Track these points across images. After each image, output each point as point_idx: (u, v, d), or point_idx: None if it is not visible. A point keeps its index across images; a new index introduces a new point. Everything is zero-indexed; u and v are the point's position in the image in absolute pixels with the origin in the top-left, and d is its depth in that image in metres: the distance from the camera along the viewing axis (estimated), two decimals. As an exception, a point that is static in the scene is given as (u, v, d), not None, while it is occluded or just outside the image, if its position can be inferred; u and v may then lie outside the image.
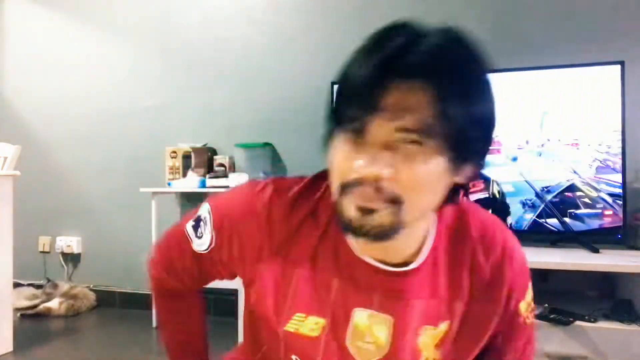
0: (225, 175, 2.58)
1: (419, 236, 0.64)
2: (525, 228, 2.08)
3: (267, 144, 2.75)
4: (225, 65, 2.92)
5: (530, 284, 0.72)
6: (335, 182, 0.57)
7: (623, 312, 1.74)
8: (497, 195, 2.11)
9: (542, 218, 2.05)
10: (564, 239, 2.07)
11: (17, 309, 2.78)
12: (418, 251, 0.64)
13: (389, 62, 0.51)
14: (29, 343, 2.41)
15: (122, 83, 3.15)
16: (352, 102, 0.54)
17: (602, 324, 1.70)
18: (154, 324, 2.69)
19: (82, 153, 3.23)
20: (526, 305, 0.70)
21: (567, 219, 2.02)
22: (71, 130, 3.26)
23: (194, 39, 2.99)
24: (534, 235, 2.13)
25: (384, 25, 0.58)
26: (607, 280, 2.00)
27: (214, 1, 2.96)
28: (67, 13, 3.29)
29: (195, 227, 0.73)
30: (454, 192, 0.60)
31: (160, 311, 0.91)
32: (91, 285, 3.14)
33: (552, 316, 1.73)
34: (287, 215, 0.65)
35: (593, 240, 2.00)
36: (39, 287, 3.13)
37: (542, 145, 2.06)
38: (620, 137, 1.97)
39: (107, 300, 3.09)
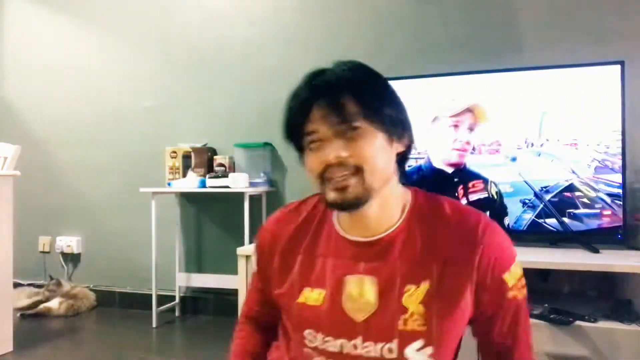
0: (225, 175, 2.58)
1: (391, 214, 0.82)
2: (525, 228, 2.08)
3: (267, 144, 2.75)
4: (225, 65, 2.92)
5: (514, 259, 0.82)
6: (314, 179, 0.78)
7: (623, 312, 1.74)
8: (495, 196, 2.11)
9: (542, 218, 2.05)
10: (563, 239, 2.07)
11: (17, 309, 2.78)
12: (391, 227, 0.82)
13: (314, 88, 0.77)
14: (29, 343, 2.41)
15: (122, 83, 3.15)
16: (300, 120, 0.77)
17: (602, 324, 1.69)
18: (154, 324, 2.70)
19: (82, 153, 3.23)
20: (512, 277, 0.81)
21: (567, 219, 2.02)
22: (71, 130, 3.26)
23: (194, 39, 2.99)
24: (534, 235, 2.13)
25: (308, 72, 0.82)
26: (607, 280, 2.00)
27: (214, 1, 2.96)
28: (68, 13, 3.29)
29: None
30: (402, 164, 0.84)
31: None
32: (91, 285, 3.14)
33: (552, 316, 1.73)
34: (287, 222, 0.90)
35: (593, 240, 1.99)
36: (39, 287, 3.14)
37: (542, 145, 2.06)
38: (620, 137, 1.97)
39: (107, 300, 3.10)
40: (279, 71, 2.79)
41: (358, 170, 0.74)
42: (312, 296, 0.82)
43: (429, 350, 0.78)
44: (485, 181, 2.12)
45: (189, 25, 3.00)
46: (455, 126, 2.17)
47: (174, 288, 2.93)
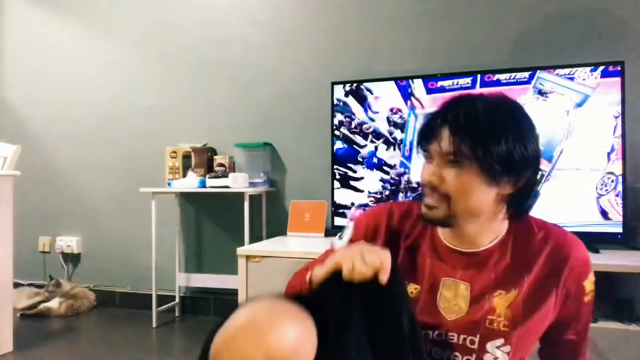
0: (225, 175, 2.58)
1: (490, 234, 0.91)
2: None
3: (267, 144, 2.75)
4: (225, 65, 2.92)
5: (591, 269, 0.94)
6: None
7: (623, 312, 1.74)
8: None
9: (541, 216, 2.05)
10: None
11: (17, 309, 2.78)
12: (486, 246, 0.91)
13: (440, 117, 0.86)
14: (29, 343, 2.41)
15: (122, 83, 3.15)
16: (420, 137, 0.89)
17: (602, 324, 1.70)
18: (154, 324, 2.70)
19: (82, 153, 3.23)
20: (589, 283, 0.93)
21: (566, 219, 2.02)
22: (71, 130, 3.26)
23: (194, 39, 2.99)
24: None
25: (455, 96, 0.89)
26: (607, 280, 1.99)
27: (214, 2, 2.96)
28: (68, 14, 3.29)
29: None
30: (516, 202, 0.90)
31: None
32: (91, 285, 3.14)
33: (551, 316, 1.73)
34: (408, 216, 0.98)
35: (593, 240, 2.00)
36: (39, 287, 3.14)
37: (542, 145, 2.06)
38: (620, 137, 1.97)
39: (107, 300, 3.10)
40: (279, 71, 2.79)
41: (445, 197, 0.85)
42: (409, 289, 0.91)
43: (507, 348, 0.87)
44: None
45: (190, 25, 3.00)
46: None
47: (174, 288, 2.93)
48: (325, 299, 0.78)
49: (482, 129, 0.83)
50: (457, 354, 0.88)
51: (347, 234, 1.02)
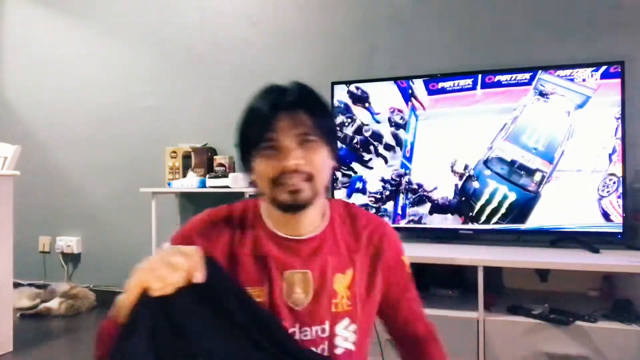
0: (225, 175, 2.58)
1: (318, 218, 0.95)
2: (525, 228, 2.08)
3: (267, 144, 2.75)
4: (225, 65, 2.92)
5: (403, 247, 1.03)
6: (265, 182, 0.88)
7: (623, 312, 1.74)
8: (465, 172, 2.11)
9: (542, 218, 2.05)
10: (564, 239, 2.07)
11: (17, 309, 2.78)
12: (317, 228, 0.95)
13: (276, 103, 0.88)
14: (29, 343, 2.41)
15: (122, 83, 3.15)
16: (262, 131, 0.87)
17: (602, 324, 1.70)
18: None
19: (82, 153, 3.23)
20: (407, 259, 1.03)
21: (567, 219, 2.02)
22: (71, 130, 3.26)
23: (193, 39, 2.99)
24: (534, 235, 2.13)
25: (263, 86, 0.96)
26: (607, 280, 2.00)
27: (214, 1, 2.96)
28: (67, 14, 3.29)
29: None
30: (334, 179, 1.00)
31: None
32: (91, 285, 3.14)
33: (552, 316, 1.74)
34: (220, 230, 0.94)
35: (593, 240, 2.00)
36: (39, 287, 3.13)
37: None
38: (620, 137, 1.97)
39: (107, 300, 3.08)
40: (279, 71, 2.79)
41: (310, 178, 0.87)
42: (254, 294, 0.88)
43: (354, 327, 0.92)
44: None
45: (189, 25, 3.00)
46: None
47: (174, 288, 2.92)
48: (137, 331, 0.68)
49: (319, 105, 0.91)
50: (312, 348, 0.89)
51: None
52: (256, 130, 0.89)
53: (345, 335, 0.91)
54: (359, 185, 2.36)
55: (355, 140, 2.36)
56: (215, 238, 0.93)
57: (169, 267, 0.70)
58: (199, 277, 0.71)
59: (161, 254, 0.74)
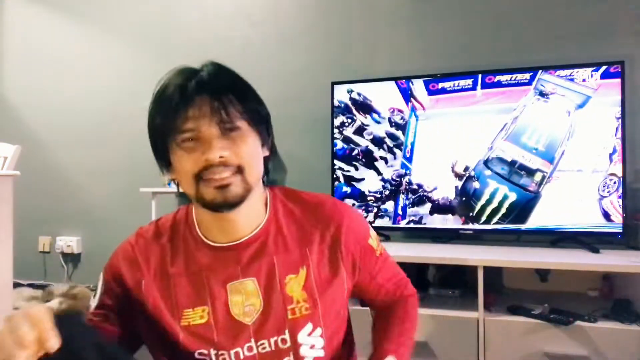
0: (225, 175, 2.58)
1: (257, 214, 0.84)
2: (525, 228, 2.08)
3: (267, 144, 2.75)
4: (225, 65, 2.91)
5: (369, 227, 0.93)
6: (188, 179, 0.76)
7: (623, 312, 1.74)
8: (464, 173, 2.11)
9: (543, 218, 2.05)
10: (564, 239, 2.08)
11: (17, 309, 2.77)
12: (258, 226, 0.84)
13: (191, 86, 0.74)
14: (29, 343, 2.40)
15: (122, 83, 3.15)
16: (175, 121, 0.76)
17: (602, 324, 1.70)
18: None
19: (82, 153, 3.23)
20: (374, 241, 0.92)
21: (567, 219, 2.02)
22: (71, 130, 3.26)
23: (194, 39, 2.99)
24: (534, 235, 2.13)
25: (174, 69, 0.82)
26: (607, 280, 2.00)
27: (214, 2, 2.96)
28: (67, 13, 3.29)
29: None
30: (268, 170, 0.86)
31: None
32: (91, 285, 3.13)
33: (552, 316, 1.74)
34: (148, 248, 0.87)
35: (593, 240, 2.00)
36: (39, 287, 3.13)
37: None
38: (620, 137, 1.97)
39: (107, 300, 3.09)
40: (279, 71, 2.79)
41: (239, 170, 0.76)
42: (195, 316, 0.81)
43: (319, 331, 0.82)
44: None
45: (189, 25, 3.00)
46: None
47: (174, 288, 2.92)
48: None
49: (242, 87, 0.81)
50: None
51: (99, 287, 0.87)
52: (170, 119, 0.77)
53: (310, 343, 0.82)
54: (359, 185, 2.36)
55: (355, 141, 2.36)
56: (144, 260, 0.85)
57: (17, 344, 0.58)
58: (52, 345, 0.60)
59: (7, 326, 0.61)
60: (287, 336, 0.81)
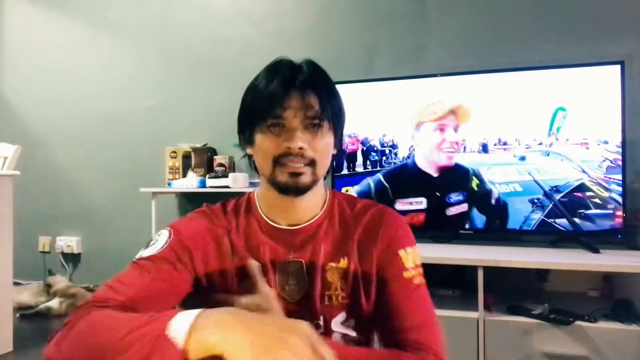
0: (225, 175, 2.58)
1: (316, 205, 0.91)
2: (525, 228, 2.08)
3: (267, 144, 2.75)
4: (225, 65, 2.92)
5: (412, 244, 0.90)
6: (267, 159, 0.84)
7: (623, 312, 1.74)
8: (476, 188, 2.11)
9: (548, 218, 2.05)
10: (564, 239, 2.07)
11: (17, 309, 2.78)
12: (314, 217, 0.91)
13: (287, 81, 0.83)
14: (29, 343, 2.41)
15: (122, 83, 3.15)
16: (271, 107, 0.82)
17: (602, 324, 1.70)
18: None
19: (82, 153, 3.23)
20: (407, 255, 0.88)
21: (567, 220, 2.02)
22: (71, 130, 3.26)
23: (194, 39, 2.99)
24: (534, 235, 2.13)
25: (274, 61, 0.89)
26: (607, 280, 2.00)
27: (214, 1, 2.96)
28: (68, 14, 3.29)
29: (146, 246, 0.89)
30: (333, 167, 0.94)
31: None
32: (91, 285, 3.14)
33: (552, 316, 1.74)
34: (214, 222, 0.92)
35: (593, 240, 2.00)
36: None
37: (551, 145, 2.06)
38: (620, 137, 1.97)
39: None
40: (279, 71, 2.78)
41: (312, 163, 0.84)
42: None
43: (352, 322, 0.86)
44: (466, 172, 2.13)
45: (189, 25, 3.00)
46: (441, 129, 2.19)
47: (174, 288, 2.92)
48: None
49: (331, 88, 0.88)
50: None
51: (163, 241, 0.88)
52: (265, 106, 0.83)
53: (343, 332, 0.85)
54: (359, 185, 2.35)
55: (355, 140, 2.36)
56: (214, 224, 0.91)
57: (316, 356, 0.57)
58: None
59: (302, 332, 0.59)
60: (321, 321, 0.85)
